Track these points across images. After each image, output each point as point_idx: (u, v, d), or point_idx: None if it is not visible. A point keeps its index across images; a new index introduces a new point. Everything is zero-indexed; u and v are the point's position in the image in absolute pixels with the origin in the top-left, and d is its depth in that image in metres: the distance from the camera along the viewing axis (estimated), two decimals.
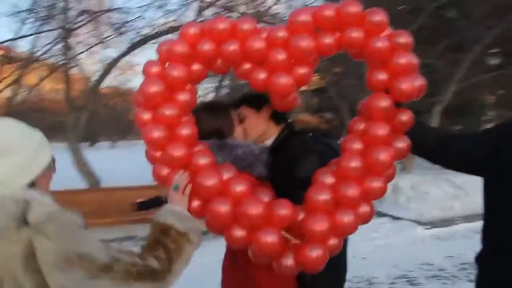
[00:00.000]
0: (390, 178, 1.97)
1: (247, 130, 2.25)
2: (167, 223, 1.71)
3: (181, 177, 1.85)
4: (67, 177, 11.66)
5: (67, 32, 9.65)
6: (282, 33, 1.86)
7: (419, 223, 7.97)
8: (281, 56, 1.84)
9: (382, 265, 6.13)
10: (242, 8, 11.23)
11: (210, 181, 1.80)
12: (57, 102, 22.89)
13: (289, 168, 2.08)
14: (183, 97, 1.92)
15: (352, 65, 11.55)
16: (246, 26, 1.89)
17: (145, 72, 1.94)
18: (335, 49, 1.94)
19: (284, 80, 1.86)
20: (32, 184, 1.42)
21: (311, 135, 2.21)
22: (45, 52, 10.15)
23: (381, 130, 1.87)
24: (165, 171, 1.91)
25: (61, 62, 10.44)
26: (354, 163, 1.86)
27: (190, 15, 11.36)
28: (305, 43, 1.82)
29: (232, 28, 1.90)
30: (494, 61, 13.62)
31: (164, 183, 1.92)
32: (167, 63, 1.93)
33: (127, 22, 10.91)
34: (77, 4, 10.52)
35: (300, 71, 1.90)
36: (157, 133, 1.86)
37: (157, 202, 7.94)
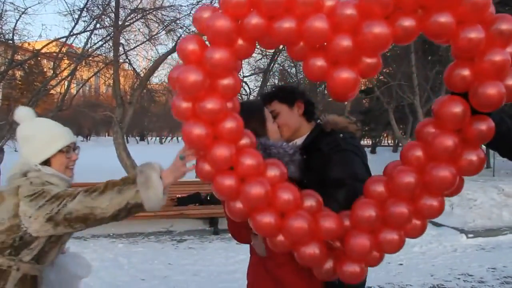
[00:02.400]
0: (454, 193, 1.76)
1: (281, 126, 2.24)
2: (137, 180, 1.91)
3: (189, 152, 1.85)
4: (113, 170, 12.14)
5: (118, 30, 9.98)
6: (350, 12, 1.51)
7: (462, 231, 7.66)
8: (346, 42, 1.53)
9: (418, 273, 5.95)
10: None
11: (257, 189, 1.66)
12: (111, 97, 23.79)
13: (321, 167, 2.07)
14: (226, 82, 1.63)
15: (402, 66, 11.28)
16: None
17: (181, 51, 1.65)
18: (415, 35, 1.58)
19: (347, 74, 1.59)
20: (46, 163, 2.05)
21: (342, 136, 2.18)
22: (97, 49, 10.55)
23: (448, 142, 1.59)
24: (207, 168, 1.74)
25: (112, 59, 10.82)
26: (408, 179, 1.66)
27: None
28: (379, 29, 1.48)
29: None
30: None
31: (207, 180, 1.80)
32: (206, 39, 1.65)
33: (176, 19, 11.17)
34: (128, 2, 10.86)
35: (367, 61, 1.60)
36: (198, 131, 1.64)
37: (196, 198, 8.23)
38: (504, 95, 1.49)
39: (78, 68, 11.51)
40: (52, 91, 14.49)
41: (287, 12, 1.56)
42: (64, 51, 11.46)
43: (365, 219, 1.71)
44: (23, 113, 2.13)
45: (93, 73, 12.32)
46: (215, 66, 1.58)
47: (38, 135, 2.07)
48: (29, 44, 12.10)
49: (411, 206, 1.69)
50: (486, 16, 1.49)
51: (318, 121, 2.33)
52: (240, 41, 1.62)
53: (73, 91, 14.82)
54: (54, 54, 10.69)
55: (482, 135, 1.60)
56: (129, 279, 5.63)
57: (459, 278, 5.67)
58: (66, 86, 11.16)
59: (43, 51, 10.96)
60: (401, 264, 6.40)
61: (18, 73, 15.96)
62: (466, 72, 1.54)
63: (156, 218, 8.42)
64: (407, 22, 1.51)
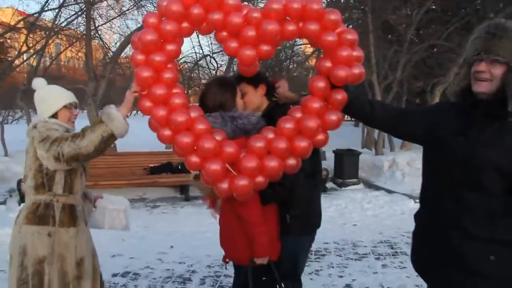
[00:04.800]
0: (320, 143, 2.47)
1: (246, 103, 2.79)
2: (103, 118, 2.58)
3: (134, 87, 2.44)
4: None
5: (90, 5, 10.18)
6: (256, 14, 2.30)
7: (411, 197, 8.46)
8: (251, 32, 2.29)
9: (369, 232, 6.72)
10: None
11: (180, 118, 2.30)
12: (74, 70, 23.39)
13: None
14: (171, 47, 2.34)
15: (362, 45, 11.93)
16: (232, 1, 2.32)
17: (144, 21, 2.37)
18: (296, 36, 2.42)
19: (249, 52, 2.33)
20: (54, 116, 2.77)
21: (291, 107, 2.66)
22: (68, 23, 10.70)
23: (315, 104, 2.37)
24: (148, 104, 2.38)
25: (83, 33, 11.00)
26: (288, 124, 2.38)
27: None
28: (272, 26, 2.26)
29: (221, 0, 2.31)
30: None
31: (146, 114, 2.40)
32: (163, 17, 2.34)
33: None
34: None
35: (264, 48, 2.35)
36: (146, 73, 2.31)
37: (168, 167, 8.94)
38: (349, 75, 2.28)
39: (47, 43, 11.62)
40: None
41: (218, 8, 2.31)
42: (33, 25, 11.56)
43: (255, 148, 2.36)
44: (38, 83, 2.88)
45: (64, 48, 12.43)
46: (166, 32, 2.29)
47: (48, 96, 2.80)
48: None
49: (289, 144, 2.37)
50: (339, 28, 2.34)
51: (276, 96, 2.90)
52: (185, 23, 2.34)
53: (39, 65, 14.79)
54: (26, 28, 10.78)
55: (338, 101, 2.35)
56: (110, 240, 6.08)
57: (403, 235, 6.42)
58: (36, 60, 11.29)
59: (9, 23, 11.01)
60: (355, 225, 7.17)
61: None
62: (328, 63, 2.33)
63: (130, 187, 8.89)
64: (291, 27, 2.31)
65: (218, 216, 2.89)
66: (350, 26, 13.87)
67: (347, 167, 10.15)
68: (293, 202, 2.73)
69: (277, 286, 2.63)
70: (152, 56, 2.31)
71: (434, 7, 12.33)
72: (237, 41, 2.35)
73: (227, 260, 2.81)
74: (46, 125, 2.71)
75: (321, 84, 2.35)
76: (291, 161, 2.42)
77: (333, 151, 10.69)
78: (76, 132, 2.63)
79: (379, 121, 2.38)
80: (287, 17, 2.31)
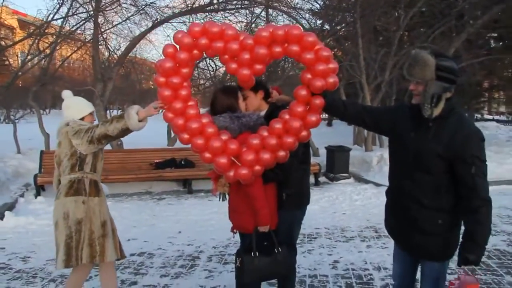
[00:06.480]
0: (304, 138, 3.04)
1: (247, 105, 3.47)
2: (124, 115, 3.35)
3: (157, 103, 3.15)
4: None
5: (97, 12, 10.79)
6: (250, 41, 2.82)
7: None
8: (246, 56, 2.82)
9: (357, 219, 7.39)
10: None
11: (194, 125, 2.92)
12: (72, 70, 23.78)
13: None
14: (185, 70, 2.93)
15: (352, 47, 12.62)
16: (230, 32, 2.86)
17: (163, 51, 2.92)
18: (282, 55, 2.96)
19: (245, 72, 2.86)
20: (82, 119, 3.62)
21: (288, 107, 3.31)
22: (76, 29, 11.30)
23: (299, 108, 2.93)
24: (170, 115, 2.98)
25: (90, 37, 11.61)
26: (278, 125, 2.95)
27: None
28: (262, 50, 2.80)
29: (221, 31, 2.85)
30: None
31: (169, 122, 3.02)
32: (178, 46, 2.87)
33: (151, 3, 12.07)
34: None
35: (257, 67, 2.89)
36: (166, 92, 2.92)
37: (172, 162, 9.88)
38: (325, 84, 2.81)
39: (56, 46, 12.19)
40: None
41: (220, 38, 2.87)
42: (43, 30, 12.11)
43: (253, 144, 2.93)
44: (66, 93, 3.77)
45: (71, 51, 13.08)
46: (181, 59, 2.89)
47: (77, 105, 3.71)
48: None
49: (278, 140, 2.95)
50: (316, 47, 2.84)
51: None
52: (195, 51, 2.93)
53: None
54: (37, 32, 11.35)
55: (317, 105, 2.87)
56: (123, 227, 6.72)
57: None
58: (46, 63, 11.90)
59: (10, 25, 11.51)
60: (344, 213, 7.86)
61: None
62: (309, 75, 2.86)
63: (137, 181, 9.57)
64: (278, 49, 2.85)
65: (218, 192, 3.50)
66: (343, 29, 14.64)
67: (338, 162, 10.84)
68: (288, 183, 3.40)
69: (275, 249, 3.32)
70: (170, 79, 2.93)
71: (423, 9, 13.02)
72: (236, 63, 2.90)
73: (235, 230, 3.49)
74: (77, 122, 3.55)
75: (303, 92, 2.91)
76: (281, 153, 3.03)
77: (325, 148, 11.40)
78: (107, 119, 3.47)
79: (351, 117, 2.99)
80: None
